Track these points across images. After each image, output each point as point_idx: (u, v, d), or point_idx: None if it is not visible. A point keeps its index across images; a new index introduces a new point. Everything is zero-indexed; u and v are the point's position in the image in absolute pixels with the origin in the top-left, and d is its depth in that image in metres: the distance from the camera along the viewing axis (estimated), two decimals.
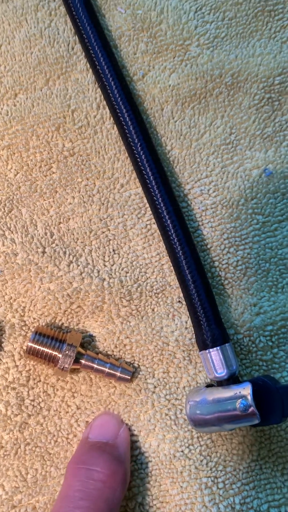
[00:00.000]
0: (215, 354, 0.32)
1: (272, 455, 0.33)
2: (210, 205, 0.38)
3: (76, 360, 0.33)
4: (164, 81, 0.39)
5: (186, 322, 0.35)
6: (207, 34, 0.40)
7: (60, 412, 0.34)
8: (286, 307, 0.36)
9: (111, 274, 0.36)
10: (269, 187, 0.38)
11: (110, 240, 0.37)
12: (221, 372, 0.32)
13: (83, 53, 0.39)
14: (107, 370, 0.33)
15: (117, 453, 0.31)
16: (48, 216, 0.37)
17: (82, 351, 0.34)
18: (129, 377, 0.34)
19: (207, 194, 0.38)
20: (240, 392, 0.29)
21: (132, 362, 0.35)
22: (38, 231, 0.37)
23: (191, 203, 0.38)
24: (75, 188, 0.38)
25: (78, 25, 0.39)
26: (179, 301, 0.36)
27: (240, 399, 0.29)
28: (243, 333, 0.35)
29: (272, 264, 0.37)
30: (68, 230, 0.37)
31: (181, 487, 0.33)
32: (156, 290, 0.36)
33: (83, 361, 0.33)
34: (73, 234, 0.37)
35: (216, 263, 0.37)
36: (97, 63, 0.38)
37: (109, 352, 0.35)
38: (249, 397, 0.29)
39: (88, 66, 0.39)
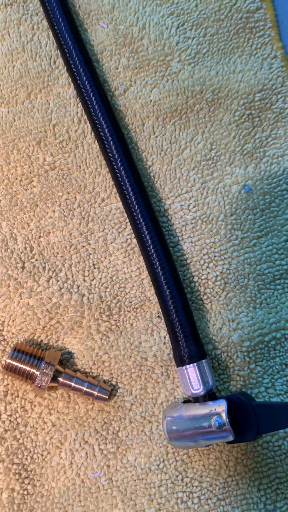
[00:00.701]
0: (191, 370, 0.32)
1: (249, 471, 0.34)
2: (190, 220, 0.38)
3: (54, 379, 0.33)
4: (145, 97, 0.40)
5: (165, 337, 0.36)
6: (189, 50, 0.40)
7: (36, 429, 0.34)
8: (264, 322, 0.36)
9: (90, 290, 0.36)
10: (248, 203, 0.38)
11: (90, 254, 0.37)
12: (198, 388, 0.32)
13: (65, 67, 0.40)
14: (85, 389, 0.33)
15: None
16: (28, 230, 0.37)
17: (60, 369, 0.34)
18: (107, 396, 0.34)
19: (187, 209, 0.38)
20: (215, 410, 0.30)
21: (110, 380, 0.35)
22: (18, 245, 0.37)
23: (171, 218, 0.38)
24: (56, 202, 0.38)
25: (60, 40, 0.39)
26: (158, 316, 0.36)
27: (215, 416, 0.29)
28: (221, 348, 0.36)
29: (251, 279, 0.37)
30: (48, 244, 0.37)
31: (158, 502, 0.33)
32: (135, 305, 0.36)
33: (61, 379, 0.33)
34: (53, 248, 0.37)
35: (196, 278, 0.37)
36: (78, 78, 0.38)
37: (87, 369, 0.35)
38: (224, 415, 0.29)
39: (70, 80, 0.39)
